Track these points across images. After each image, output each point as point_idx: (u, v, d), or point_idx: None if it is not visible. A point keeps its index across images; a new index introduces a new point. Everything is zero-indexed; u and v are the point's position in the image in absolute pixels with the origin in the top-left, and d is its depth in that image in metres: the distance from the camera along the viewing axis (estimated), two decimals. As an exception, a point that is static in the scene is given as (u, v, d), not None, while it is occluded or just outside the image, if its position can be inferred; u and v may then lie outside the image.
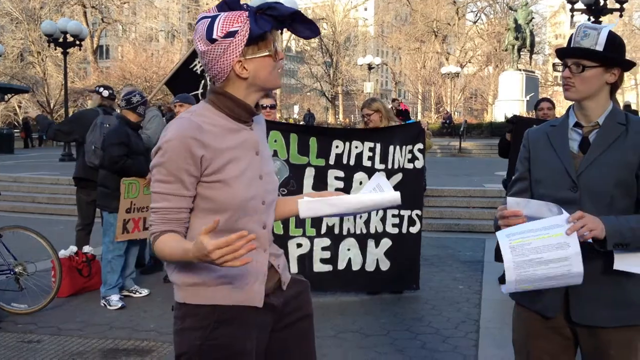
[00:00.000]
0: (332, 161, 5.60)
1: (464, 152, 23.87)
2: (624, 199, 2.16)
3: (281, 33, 2.17)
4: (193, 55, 7.34)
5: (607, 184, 2.14)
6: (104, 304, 5.63)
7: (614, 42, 2.17)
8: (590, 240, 2.03)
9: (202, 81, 7.33)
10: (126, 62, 44.62)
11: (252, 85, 1.99)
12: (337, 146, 5.61)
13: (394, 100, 20.62)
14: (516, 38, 31.87)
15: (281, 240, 5.40)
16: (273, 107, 5.81)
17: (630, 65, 2.24)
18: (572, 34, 2.22)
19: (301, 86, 60.16)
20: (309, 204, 2.12)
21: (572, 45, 2.19)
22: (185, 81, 7.35)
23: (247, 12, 1.92)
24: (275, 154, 5.43)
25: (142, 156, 5.85)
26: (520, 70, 30.51)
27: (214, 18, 1.92)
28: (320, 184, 5.52)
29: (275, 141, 5.44)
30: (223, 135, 1.98)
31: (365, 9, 69.27)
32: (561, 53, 2.24)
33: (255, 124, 2.10)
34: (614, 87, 2.24)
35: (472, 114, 52.71)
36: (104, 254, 5.79)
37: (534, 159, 2.33)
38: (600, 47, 2.15)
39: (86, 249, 6.31)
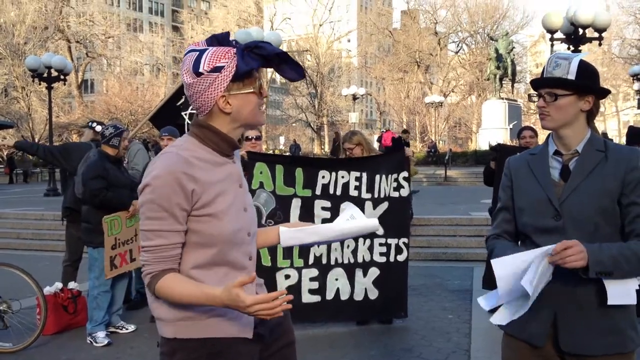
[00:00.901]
0: (318, 191, 5.61)
1: (450, 180, 23.98)
2: (608, 226, 2.17)
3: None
4: (180, 91, 7.42)
5: (589, 211, 2.15)
6: (90, 340, 5.55)
7: (586, 70, 2.20)
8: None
9: (184, 113, 7.43)
10: (111, 96, 44.67)
11: (235, 120, 2.01)
12: (324, 176, 5.63)
13: (404, 131, 20.69)
14: (498, 67, 32.29)
15: (269, 272, 5.37)
16: (259, 138, 5.83)
17: (604, 92, 2.27)
18: (545, 65, 2.27)
19: (286, 117, 60.40)
20: (290, 233, 2.16)
21: (544, 76, 2.23)
22: (168, 116, 7.42)
23: (235, 49, 1.94)
24: (261, 185, 5.43)
25: (125, 189, 5.83)
26: (502, 98, 30.84)
27: (202, 52, 1.94)
28: (307, 215, 5.52)
29: (261, 172, 5.45)
30: (210, 169, 1.98)
31: (349, 41, 70.10)
32: (535, 84, 2.28)
33: (236, 158, 2.14)
34: (590, 114, 2.27)
35: (457, 142, 53.16)
36: (90, 290, 5.72)
37: (517, 187, 2.34)
38: (572, 76, 2.18)
39: (72, 285, 6.24)
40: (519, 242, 2.40)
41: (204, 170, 1.96)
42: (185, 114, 7.60)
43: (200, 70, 1.92)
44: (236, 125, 2.03)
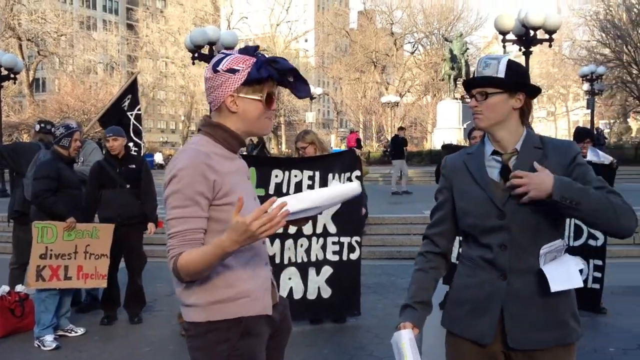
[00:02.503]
0: (271, 190, 5.59)
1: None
2: (549, 220, 2.20)
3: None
4: (125, 92, 7.56)
5: (532, 209, 2.17)
6: (38, 344, 5.41)
7: (514, 69, 2.24)
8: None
9: (130, 114, 7.51)
10: (63, 95, 43.76)
11: (241, 121, 2.19)
12: (277, 175, 5.62)
13: (400, 128, 20.75)
14: (452, 68, 32.75)
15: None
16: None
17: (535, 90, 2.32)
18: (475, 68, 2.31)
19: (244, 117, 59.99)
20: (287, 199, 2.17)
21: (475, 76, 2.27)
22: (115, 116, 7.45)
23: (255, 59, 2.15)
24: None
25: (77, 190, 5.72)
26: (457, 99, 31.28)
27: (227, 55, 2.17)
28: (259, 215, 5.50)
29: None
30: (225, 162, 2.18)
31: (306, 40, 70.13)
32: (467, 85, 2.33)
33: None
34: (522, 112, 2.30)
35: (412, 142, 53.50)
36: (37, 293, 5.58)
37: (457, 188, 2.35)
38: (501, 75, 2.22)
39: (19, 288, 6.08)
40: (462, 240, 2.42)
41: (221, 164, 2.15)
42: (131, 114, 7.60)
43: (218, 68, 2.14)
44: (241, 127, 2.21)
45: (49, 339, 5.43)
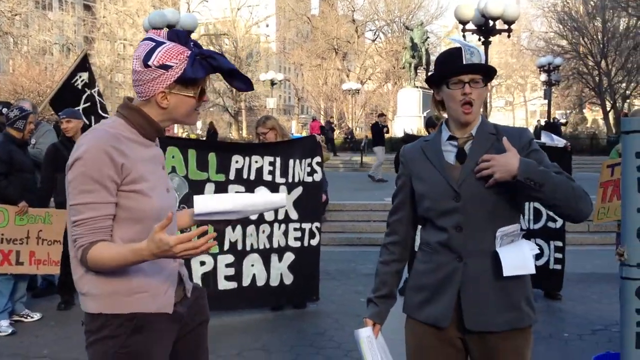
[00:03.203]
0: (232, 176, 5.57)
1: (366, 166, 24.25)
2: (505, 202, 2.25)
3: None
4: (75, 71, 7.38)
5: (487, 190, 2.22)
6: (-8, 330, 5.31)
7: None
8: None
9: (84, 96, 7.31)
10: (17, 76, 42.50)
11: (168, 115, 2.09)
12: (237, 161, 5.59)
13: (380, 115, 20.65)
14: (413, 56, 32.93)
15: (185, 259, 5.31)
16: (172, 122, 5.73)
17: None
18: (462, 53, 2.25)
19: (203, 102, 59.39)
20: (204, 199, 2.13)
21: (465, 62, 2.24)
22: (67, 97, 7.29)
23: (189, 52, 2.00)
24: (173, 170, 5.33)
25: (29, 174, 5.60)
26: (417, 87, 31.48)
27: (158, 44, 2.00)
28: (220, 200, 5.48)
29: (173, 157, 5.35)
30: (137, 148, 2.06)
31: (267, 26, 69.54)
32: (456, 71, 2.25)
33: (157, 141, 2.22)
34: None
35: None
36: (-9, 278, 5.47)
37: (415, 174, 2.39)
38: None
39: (-29, 273, 5.94)
40: (421, 226, 2.46)
41: (131, 149, 2.03)
42: (94, 92, 7.45)
43: (150, 63, 1.98)
44: (166, 119, 2.11)
45: (4, 324, 5.33)
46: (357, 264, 8.28)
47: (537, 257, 6.22)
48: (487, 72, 2.29)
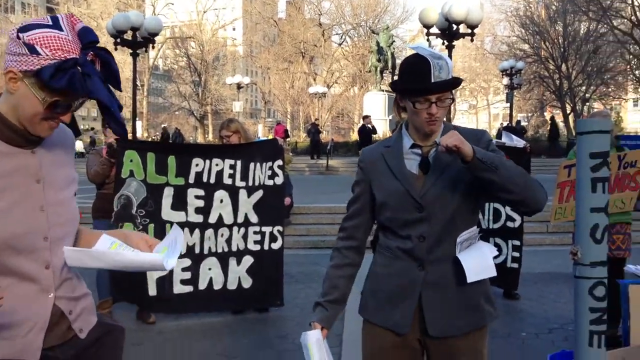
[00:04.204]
0: (191, 180, 5.48)
1: (331, 169, 24.33)
2: (466, 209, 2.24)
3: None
4: None
5: (451, 200, 2.20)
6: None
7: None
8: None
9: None
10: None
11: (15, 109, 1.68)
12: (197, 164, 5.51)
13: (365, 117, 20.53)
14: (379, 60, 33.18)
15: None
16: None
17: None
18: (430, 68, 2.13)
19: (169, 105, 58.88)
20: (73, 253, 1.83)
21: (433, 81, 2.14)
22: None
23: (71, 57, 1.63)
24: (131, 174, 5.24)
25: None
26: (383, 90, 31.69)
27: (51, 27, 1.64)
28: (179, 204, 5.41)
29: (132, 160, 5.25)
30: None
31: (234, 29, 69.35)
32: (426, 91, 2.15)
33: (46, 147, 1.80)
34: None
35: (340, 132, 53.99)
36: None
37: (375, 182, 2.33)
38: (451, 75, 2.19)
39: None
40: (380, 230, 2.42)
41: None
42: None
43: (22, 35, 1.62)
44: (16, 116, 1.69)
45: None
46: (321, 267, 8.24)
47: (496, 255, 6.32)
48: (457, 85, 2.23)
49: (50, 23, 1.65)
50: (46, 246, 1.75)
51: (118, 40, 15.07)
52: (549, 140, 30.34)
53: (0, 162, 1.69)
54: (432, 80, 2.12)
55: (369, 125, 18.87)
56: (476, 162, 2.06)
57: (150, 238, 1.94)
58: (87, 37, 1.67)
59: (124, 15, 15.48)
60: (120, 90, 1.77)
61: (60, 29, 1.65)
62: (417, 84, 2.16)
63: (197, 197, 5.50)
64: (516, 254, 6.43)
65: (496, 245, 6.38)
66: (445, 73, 2.14)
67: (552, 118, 34.04)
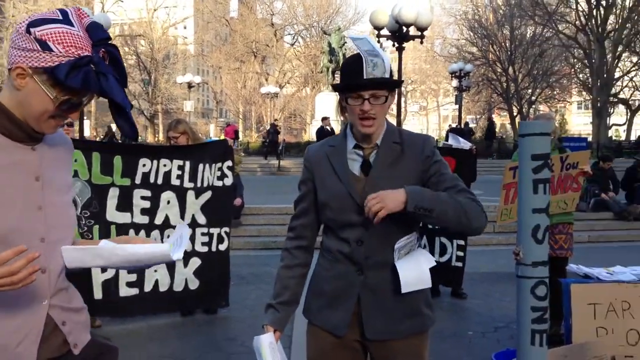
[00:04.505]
0: (138, 180, 5.37)
1: (283, 170, 24.32)
2: (406, 218, 2.21)
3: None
4: None
5: None
6: None
7: (390, 67, 2.22)
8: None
9: None
10: None
11: (21, 105, 1.63)
12: (144, 164, 5.40)
13: (324, 118, 20.36)
14: (330, 61, 33.35)
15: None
16: (70, 124, 5.48)
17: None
18: (362, 65, 2.14)
19: (118, 104, 57.76)
20: (72, 252, 1.73)
21: (365, 77, 2.14)
22: None
23: (86, 54, 1.57)
24: (75, 174, 5.10)
25: None
26: (334, 91, 31.83)
27: (61, 22, 1.57)
28: (125, 205, 5.29)
29: (76, 160, 5.11)
30: None
31: (185, 27, 68.51)
32: (356, 87, 2.17)
33: (47, 146, 1.73)
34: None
35: (292, 133, 54.10)
36: None
37: (319, 181, 2.33)
38: (388, 74, 2.18)
39: None
40: (323, 232, 2.42)
41: None
42: None
43: (32, 30, 1.55)
44: (21, 112, 1.64)
45: None
46: (272, 268, 8.18)
47: (441, 254, 6.50)
48: (393, 85, 2.23)
49: (61, 17, 1.59)
50: (42, 248, 1.64)
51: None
52: (485, 141, 30.96)
53: (2, 155, 1.62)
54: (365, 77, 2.13)
55: (328, 127, 18.84)
56: (409, 213, 2.09)
57: (153, 240, 1.86)
58: (97, 33, 1.62)
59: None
60: (127, 87, 1.73)
61: (71, 24, 1.59)
62: (350, 81, 2.18)
63: (144, 197, 5.40)
64: (460, 253, 6.56)
65: (441, 244, 6.50)
66: (380, 71, 2.14)
67: (490, 119, 34.83)
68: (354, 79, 2.17)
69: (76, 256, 1.72)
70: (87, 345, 1.84)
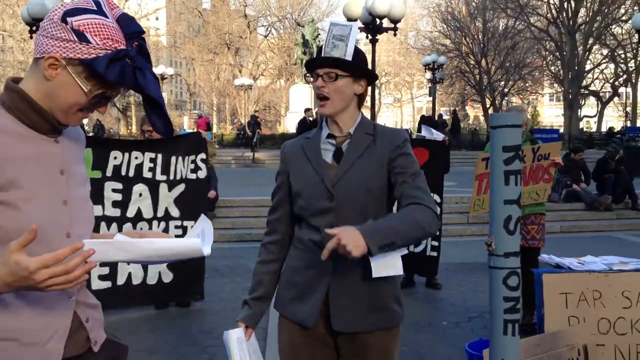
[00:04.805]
0: (109, 173, 5.32)
1: (257, 162, 24.26)
2: (376, 205, 2.26)
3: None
4: None
5: (360, 191, 2.22)
6: None
7: (360, 55, 2.27)
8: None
9: None
10: None
11: (49, 96, 1.56)
12: (116, 157, 5.35)
13: (307, 110, 20.19)
14: (304, 53, 33.23)
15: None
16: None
17: (374, 78, 2.38)
18: (322, 46, 2.27)
19: (89, 96, 57.08)
20: (96, 245, 1.60)
21: (322, 56, 2.24)
22: None
23: (122, 48, 1.53)
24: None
25: None
26: (308, 83, 31.78)
27: (96, 12, 1.52)
28: (96, 197, 5.22)
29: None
30: (12, 141, 1.53)
31: (157, 19, 67.81)
32: (312, 65, 2.28)
33: (67, 139, 1.68)
34: (361, 98, 2.34)
35: (266, 125, 53.88)
36: None
37: (293, 171, 2.35)
38: (349, 57, 2.23)
39: None
40: (296, 224, 2.41)
41: (3, 142, 1.52)
42: None
43: (69, 19, 1.49)
44: (47, 104, 1.57)
45: None
46: (247, 260, 8.19)
47: (416, 244, 6.50)
48: (347, 66, 2.24)
49: (95, 8, 1.53)
50: (68, 243, 1.55)
51: (34, 28, 14.43)
52: (450, 133, 31.19)
53: (21, 145, 1.54)
54: (322, 55, 2.24)
55: (310, 119, 18.79)
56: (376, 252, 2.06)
57: (169, 234, 1.82)
58: (130, 26, 1.57)
59: (41, 2, 14.80)
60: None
61: (105, 16, 1.53)
62: (312, 58, 2.30)
63: (115, 190, 5.35)
64: (435, 243, 6.61)
65: None
66: (340, 52, 2.21)
67: (454, 112, 35.06)
68: (315, 59, 2.27)
69: (100, 250, 1.61)
70: (106, 343, 1.81)
